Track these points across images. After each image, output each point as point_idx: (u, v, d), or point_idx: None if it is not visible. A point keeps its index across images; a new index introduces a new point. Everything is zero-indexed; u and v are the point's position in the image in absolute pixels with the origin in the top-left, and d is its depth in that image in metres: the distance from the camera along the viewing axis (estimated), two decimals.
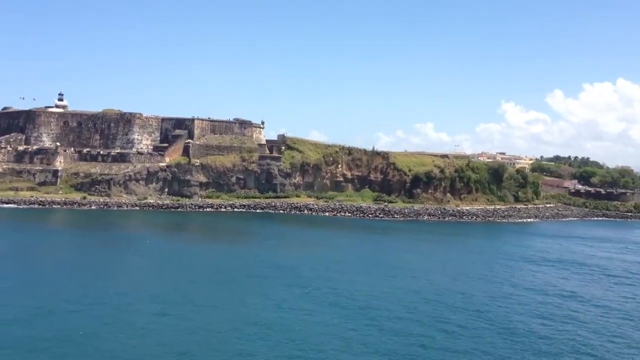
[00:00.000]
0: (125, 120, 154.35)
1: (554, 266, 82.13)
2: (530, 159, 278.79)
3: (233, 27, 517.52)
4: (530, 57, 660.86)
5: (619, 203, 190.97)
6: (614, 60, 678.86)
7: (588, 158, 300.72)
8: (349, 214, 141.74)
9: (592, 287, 68.52)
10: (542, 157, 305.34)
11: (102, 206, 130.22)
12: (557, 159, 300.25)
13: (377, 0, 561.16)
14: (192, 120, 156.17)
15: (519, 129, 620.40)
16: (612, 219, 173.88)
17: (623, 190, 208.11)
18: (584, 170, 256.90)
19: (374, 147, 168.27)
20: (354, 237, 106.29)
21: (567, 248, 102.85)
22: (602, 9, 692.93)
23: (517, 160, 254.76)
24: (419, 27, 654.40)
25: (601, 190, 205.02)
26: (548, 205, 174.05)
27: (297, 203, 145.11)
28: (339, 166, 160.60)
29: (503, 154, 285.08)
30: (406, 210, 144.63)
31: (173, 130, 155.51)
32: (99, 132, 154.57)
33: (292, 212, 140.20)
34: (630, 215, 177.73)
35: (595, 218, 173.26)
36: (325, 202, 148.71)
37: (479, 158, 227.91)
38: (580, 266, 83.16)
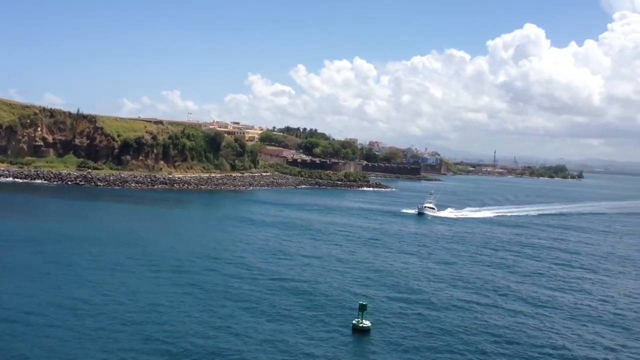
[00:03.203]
0: None
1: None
2: (261, 129, 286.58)
3: None
4: (274, 32, 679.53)
5: (332, 172, 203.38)
6: (351, 40, 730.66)
7: (316, 130, 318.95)
8: (46, 181, 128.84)
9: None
10: (274, 127, 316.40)
11: None
12: (287, 130, 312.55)
13: None
14: None
15: (265, 100, 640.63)
16: (323, 187, 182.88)
17: (336, 160, 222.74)
18: (309, 141, 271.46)
19: (79, 110, 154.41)
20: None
21: (265, 212, 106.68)
22: None
23: (247, 131, 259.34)
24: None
25: (316, 160, 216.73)
26: (264, 174, 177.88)
27: None
28: (39, 129, 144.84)
29: (237, 123, 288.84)
30: (111, 178, 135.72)
31: None
32: None
33: None
34: (340, 184, 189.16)
35: (309, 186, 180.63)
36: (20, 167, 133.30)
37: (210, 127, 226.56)
38: (261, 225, 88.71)
